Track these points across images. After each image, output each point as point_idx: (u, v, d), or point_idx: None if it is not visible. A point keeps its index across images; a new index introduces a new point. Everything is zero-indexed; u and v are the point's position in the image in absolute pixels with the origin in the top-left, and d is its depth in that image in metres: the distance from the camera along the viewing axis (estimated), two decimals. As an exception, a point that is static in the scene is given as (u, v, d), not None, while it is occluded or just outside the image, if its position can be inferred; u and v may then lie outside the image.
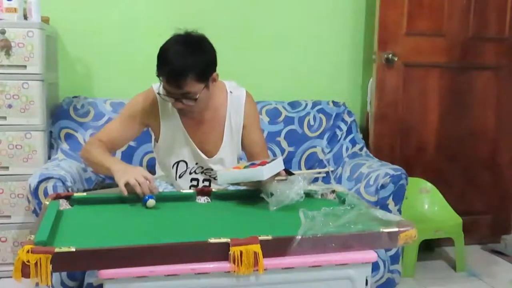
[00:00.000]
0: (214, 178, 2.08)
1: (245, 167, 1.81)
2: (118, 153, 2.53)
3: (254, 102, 2.14)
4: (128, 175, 1.70)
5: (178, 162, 2.06)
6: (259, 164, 1.77)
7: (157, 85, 1.99)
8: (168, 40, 1.88)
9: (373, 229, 1.44)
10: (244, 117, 2.07)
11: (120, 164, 1.82)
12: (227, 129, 2.06)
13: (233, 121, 2.06)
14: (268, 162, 1.77)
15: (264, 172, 1.70)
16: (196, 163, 2.07)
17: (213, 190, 1.84)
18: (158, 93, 1.89)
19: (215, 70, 1.91)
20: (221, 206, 1.76)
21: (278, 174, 1.78)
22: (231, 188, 2.09)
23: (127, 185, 1.68)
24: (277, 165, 1.79)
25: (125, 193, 1.69)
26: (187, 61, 1.78)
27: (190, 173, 2.08)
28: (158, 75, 1.84)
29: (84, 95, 2.68)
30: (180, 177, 2.07)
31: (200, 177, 2.09)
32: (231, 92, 2.07)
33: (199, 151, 2.04)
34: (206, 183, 2.10)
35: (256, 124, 2.13)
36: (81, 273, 1.89)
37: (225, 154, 2.07)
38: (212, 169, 2.07)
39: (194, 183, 2.08)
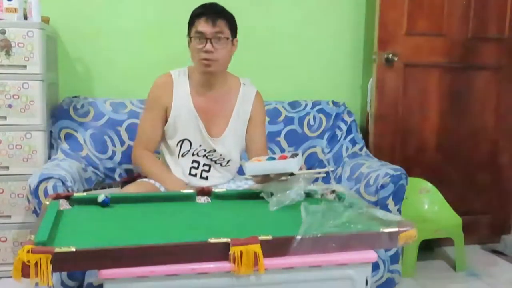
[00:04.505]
0: (215, 162, 2.16)
1: (268, 159, 1.83)
2: (118, 154, 2.55)
3: (263, 101, 2.26)
4: None
5: (182, 140, 2.14)
6: (281, 158, 1.80)
7: (174, 70, 2.15)
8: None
9: (373, 229, 1.44)
10: (252, 109, 2.18)
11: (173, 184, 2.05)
12: (235, 115, 2.16)
13: (241, 109, 2.17)
14: (290, 157, 1.79)
15: (294, 165, 1.75)
16: (200, 145, 2.14)
17: (214, 190, 1.84)
18: (190, 37, 2.04)
19: (236, 36, 2.10)
20: (221, 206, 1.76)
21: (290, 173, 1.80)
22: (231, 188, 2.09)
23: None
24: (300, 161, 1.83)
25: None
26: (223, 9, 2.06)
27: (193, 155, 2.15)
28: (194, 21, 2.03)
29: (84, 95, 2.68)
30: (182, 156, 2.14)
31: (202, 160, 2.15)
32: (244, 84, 2.20)
33: (205, 130, 2.12)
34: (206, 168, 2.15)
35: (261, 121, 2.23)
36: (81, 273, 1.89)
37: (228, 138, 2.15)
38: (215, 150, 2.13)
39: (195, 165, 2.15)
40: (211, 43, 1.99)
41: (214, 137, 2.13)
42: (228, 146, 2.15)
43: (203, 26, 2.00)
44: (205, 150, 2.14)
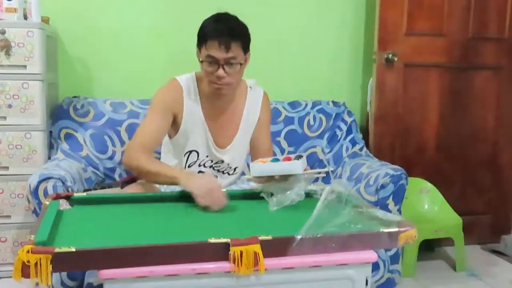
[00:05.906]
0: (223, 172, 2.12)
1: (272, 161, 1.83)
2: (118, 154, 2.54)
3: (269, 102, 2.21)
4: (209, 200, 1.66)
5: (190, 152, 2.08)
6: (285, 159, 1.79)
7: (181, 76, 2.05)
8: (209, 16, 1.93)
9: (373, 229, 1.43)
10: (260, 113, 2.13)
11: (190, 177, 1.76)
12: (244, 122, 2.11)
13: (250, 115, 2.12)
14: (295, 158, 1.78)
15: (300, 166, 1.74)
16: (207, 156, 2.09)
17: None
18: (201, 61, 1.91)
19: (249, 49, 1.97)
20: (221, 206, 1.75)
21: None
22: (231, 188, 2.08)
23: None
24: (305, 163, 1.82)
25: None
26: (237, 28, 1.91)
27: (199, 165, 2.10)
28: (205, 40, 1.87)
29: (84, 95, 2.68)
30: (189, 166, 2.10)
31: (208, 171, 2.10)
32: (250, 87, 2.14)
33: (212, 141, 2.06)
34: None
35: (267, 122, 2.19)
36: (81, 273, 1.89)
37: (236, 146, 2.10)
38: (222, 161, 2.10)
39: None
40: (223, 68, 1.88)
41: (221, 148, 2.09)
42: (235, 154, 2.11)
43: (215, 51, 1.85)
44: (211, 161, 2.10)
